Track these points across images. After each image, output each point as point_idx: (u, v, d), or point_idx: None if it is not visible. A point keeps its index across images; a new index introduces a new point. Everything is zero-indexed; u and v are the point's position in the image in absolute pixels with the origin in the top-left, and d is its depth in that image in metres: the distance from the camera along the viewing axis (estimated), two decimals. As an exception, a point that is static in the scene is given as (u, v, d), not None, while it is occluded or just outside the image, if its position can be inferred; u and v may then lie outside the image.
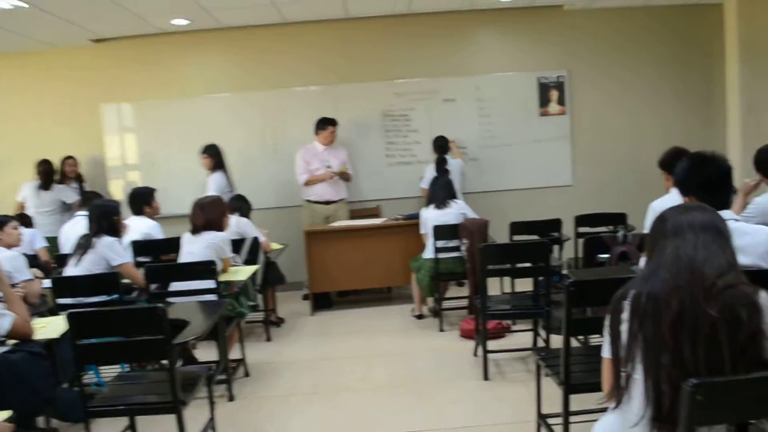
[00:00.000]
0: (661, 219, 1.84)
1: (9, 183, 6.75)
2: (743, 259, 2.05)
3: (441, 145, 6.52)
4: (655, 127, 7.06)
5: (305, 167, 6.38)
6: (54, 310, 3.90)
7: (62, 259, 4.52)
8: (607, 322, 1.84)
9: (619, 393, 1.80)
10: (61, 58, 6.95)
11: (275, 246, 5.72)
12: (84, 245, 4.11)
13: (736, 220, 2.60)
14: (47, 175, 6.44)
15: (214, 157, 6.21)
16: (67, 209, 6.45)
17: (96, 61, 6.96)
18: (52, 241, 5.60)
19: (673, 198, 3.24)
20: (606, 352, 1.87)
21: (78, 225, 4.96)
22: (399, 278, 6.04)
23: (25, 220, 5.54)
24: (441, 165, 6.41)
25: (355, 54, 7.00)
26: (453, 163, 6.52)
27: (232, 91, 7.04)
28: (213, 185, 6.02)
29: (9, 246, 4.26)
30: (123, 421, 3.22)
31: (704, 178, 2.61)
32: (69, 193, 6.50)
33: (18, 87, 7.03)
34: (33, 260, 4.81)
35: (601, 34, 7.03)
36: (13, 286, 3.74)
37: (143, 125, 7.09)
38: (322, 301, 6.22)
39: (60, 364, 3.15)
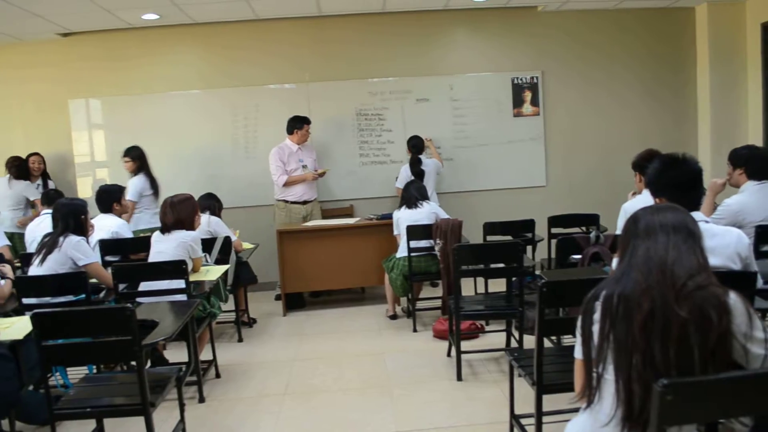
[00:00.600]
0: (633, 219, 1.85)
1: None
2: (713, 260, 2.06)
3: (415, 145, 6.52)
4: (628, 129, 7.15)
5: (283, 167, 6.31)
6: (19, 311, 3.81)
7: (26, 259, 4.41)
8: (579, 323, 1.84)
9: (590, 393, 1.80)
10: (28, 52, 6.80)
11: (247, 245, 5.67)
12: (49, 244, 4.02)
13: (706, 222, 2.63)
14: (19, 171, 6.32)
15: (137, 160, 6.08)
16: (31, 207, 6.33)
17: (63, 55, 6.82)
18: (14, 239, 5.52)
19: (645, 199, 3.26)
20: (578, 353, 1.87)
21: (43, 224, 4.86)
22: (372, 278, 6.03)
23: None
24: (416, 165, 6.41)
25: (329, 52, 6.97)
26: (428, 162, 6.52)
27: (203, 88, 6.95)
28: (132, 188, 5.88)
29: None
30: (90, 424, 3.16)
31: (675, 180, 2.63)
32: (33, 191, 6.36)
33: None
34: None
35: (575, 35, 7.09)
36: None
37: (112, 121, 6.96)
38: (294, 302, 6.18)
39: (25, 366, 3.09)
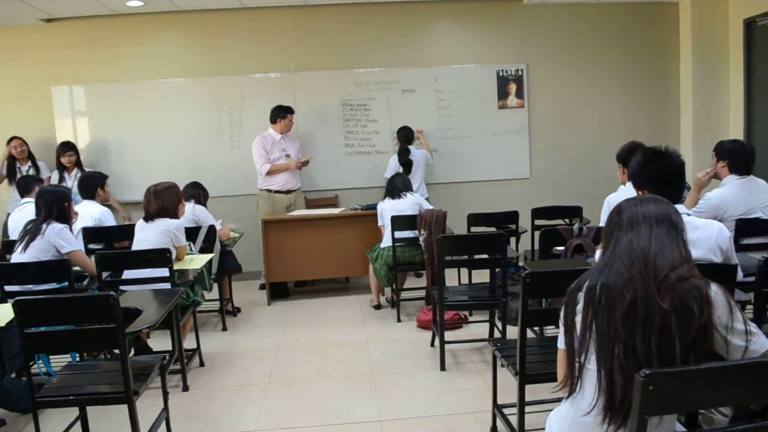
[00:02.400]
0: (617, 211, 1.87)
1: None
2: (694, 253, 2.09)
3: (405, 135, 6.54)
4: (612, 122, 7.19)
5: (266, 156, 6.29)
6: (1, 298, 3.78)
7: (9, 246, 4.37)
8: (561, 313, 1.86)
9: (572, 383, 1.83)
10: (10, 37, 6.69)
11: (233, 234, 5.66)
12: (32, 231, 3.99)
13: (688, 215, 2.66)
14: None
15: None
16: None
17: (46, 41, 6.72)
18: None
19: (628, 191, 3.29)
20: (561, 343, 1.89)
21: (24, 211, 4.81)
22: (357, 268, 6.04)
23: None
24: (404, 155, 6.43)
25: (314, 42, 6.93)
26: (417, 153, 6.54)
27: (188, 76, 6.89)
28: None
29: None
30: (73, 412, 3.15)
31: (657, 173, 2.65)
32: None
33: (-37, 66, 6.76)
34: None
35: (559, 27, 7.11)
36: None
37: (95, 108, 6.89)
38: (279, 291, 6.18)
39: (7, 354, 3.07)
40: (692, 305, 1.65)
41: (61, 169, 6.37)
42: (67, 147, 6.39)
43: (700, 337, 1.66)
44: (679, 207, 2.58)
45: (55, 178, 6.33)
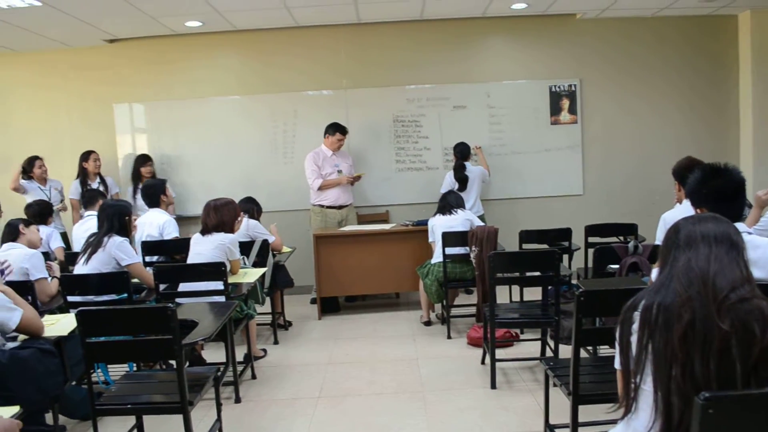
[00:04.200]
0: (674, 229, 1.83)
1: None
2: (755, 273, 2.03)
3: (461, 151, 6.57)
4: (666, 137, 7.05)
5: (318, 172, 6.37)
6: (63, 308, 3.93)
7: (71, 258, 4.54)
8: (617, 333, 1.83)
9: (627, 403, 1.79)
10: (76, 57, 7.00)
11: (286, 249, 5.75)
12: (94, 244, 4.13)
13: (749, 233, 2.59)
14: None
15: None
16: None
17: (110, 60, 7.00)
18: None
19: (685, 209, 3.22)
20: (617, 363, 1.86)
21: (88, 224, 4.99)
22: (407, 284, 6.04)
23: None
24: (459, 171, 6.44)
25: (367, 59, 7.02)
26: (472, 169, 6.54)
27: (243, 93, 7.06)
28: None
29: (31, 244, 4.28)
30: (130, 420, 3.23)
31: (717, 190, 2.59)
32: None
33: (32, 86, 7.08)
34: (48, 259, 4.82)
35: (613, 43, 7.02)
36: (31, 284, 3.78)
37: (155, 125, 7.12)
38: (329, 306, 6.22)
39: (69, 362, 3.17)
40: (754, 327, 1.60)
41: (138, 180, 6.64)
42: (146, 159, 6.67)
43: (762, 359, 1.60)
44: (740, 225, 2.52)
45: (129, 192, 6.58)
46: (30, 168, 6.22)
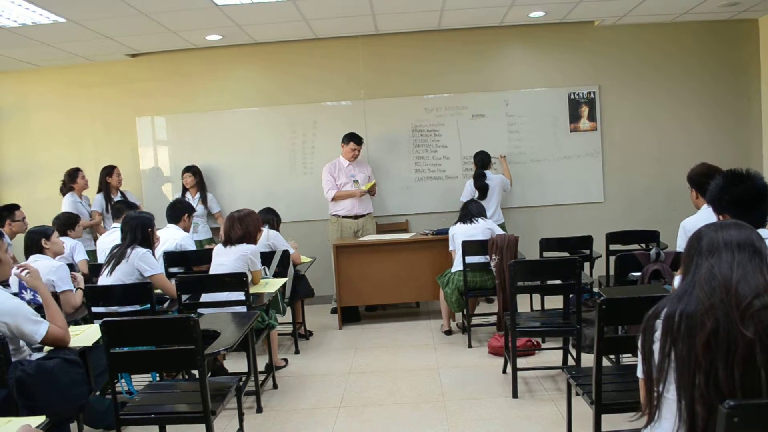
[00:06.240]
0: (697, 236, 1.82)
1: (45, 196, 6.84)
2: (780, 280, 2.01)
3: (481, 159, 6.58)
4: (686, 145, 6.98)
5: (333, 182, 6.42)
6: (87, 319, 3.98)
7: (96, 269, 4.60)
8: (639, 341, 1.82)
9: (650, 411, 1.78)
10: (99, 71, 7.12)
11: (305, 259, 5.77)
12: (118, 255, 4.19)
13: (772, 239, 2.56)
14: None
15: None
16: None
17: (132, 74, 7.12)
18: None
19: (705, 215, 3.20)
20: (640, 372, 1.85)
21: (113, 235, 5.06)
22: (427, 293, 6.04)
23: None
24: (479, 179, 6.43)
25: (385, 69, 7.05)
26: (493, 178, 6.53)
27: (262, 105, 7.13)
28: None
29: (55, 255, 4.34)
30: (153, 430, 3.27)
31: (739, 196, 2.57)
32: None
33: (55, 101, 7.21)
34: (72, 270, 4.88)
35: (632, 49, 6.99)
36: (56, 295, 3.83)
37: (176, 138, 7.21)
38: (350, 315, 6.24)
39: (93, 372, 3.21)
40: (778, 334, 1.59)
41: (184, 190, 6.80)
42: (188, 169, 6.79)
43: (787, 367, 1.59)
44: (763, 232, 2.49)
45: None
46: (72, 180, 6.33)
